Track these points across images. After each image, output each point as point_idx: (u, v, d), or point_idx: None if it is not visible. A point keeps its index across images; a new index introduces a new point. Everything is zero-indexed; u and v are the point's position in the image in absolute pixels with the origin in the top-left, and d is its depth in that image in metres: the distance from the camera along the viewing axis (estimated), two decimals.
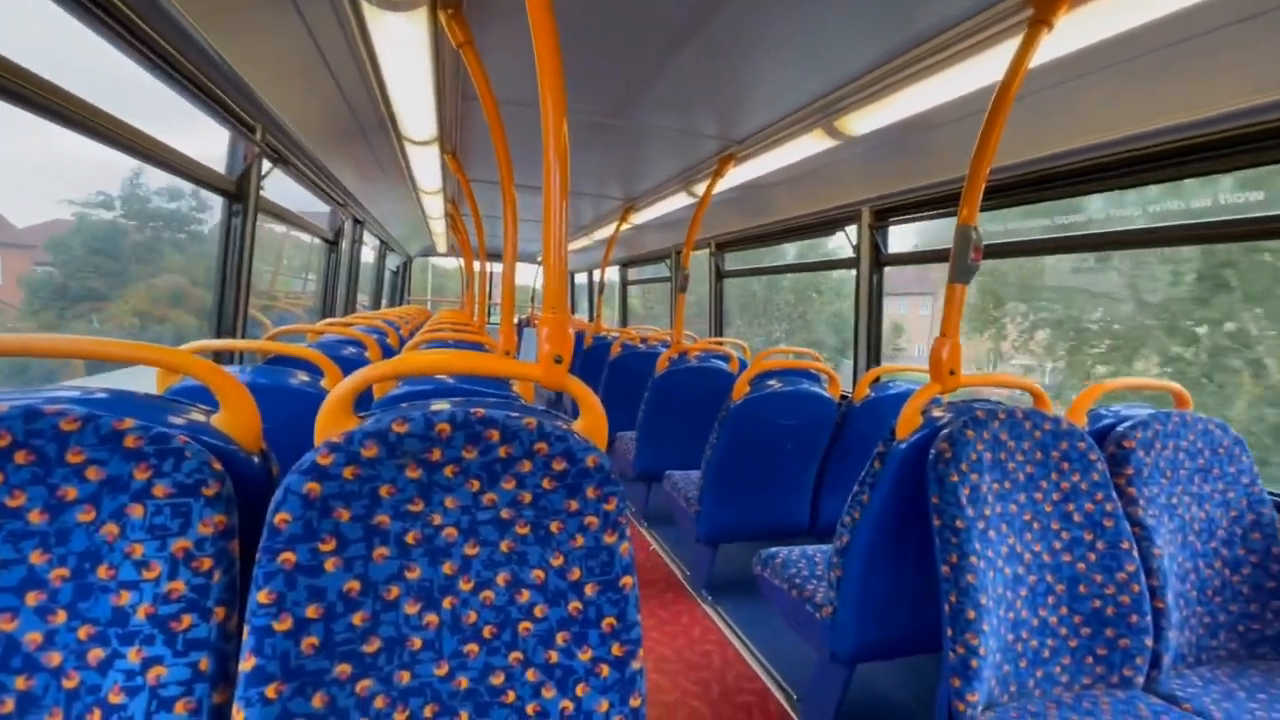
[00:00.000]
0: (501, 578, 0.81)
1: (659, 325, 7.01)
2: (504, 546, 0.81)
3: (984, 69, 1.59)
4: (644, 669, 0.85)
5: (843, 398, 2.58)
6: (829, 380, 2.54)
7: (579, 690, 0.81)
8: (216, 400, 0.82)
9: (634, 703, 0.83)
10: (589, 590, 0.83)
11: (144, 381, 1.17)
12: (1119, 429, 1.54)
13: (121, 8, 1.33)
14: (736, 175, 2.93)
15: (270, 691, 0.68)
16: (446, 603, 0.78)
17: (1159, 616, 1.40)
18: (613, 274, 7.89)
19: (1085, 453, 1.43)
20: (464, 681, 0.78)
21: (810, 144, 2.34)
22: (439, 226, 5.58)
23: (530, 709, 0.80)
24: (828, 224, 3.28)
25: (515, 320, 2.19)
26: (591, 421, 0.92)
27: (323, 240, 4.16)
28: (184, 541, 0.69)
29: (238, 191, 2.24)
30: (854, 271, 3.06)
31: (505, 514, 0.82)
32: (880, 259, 2.98)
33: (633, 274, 7.73)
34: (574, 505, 0.84)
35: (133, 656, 0.66)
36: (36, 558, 0.65)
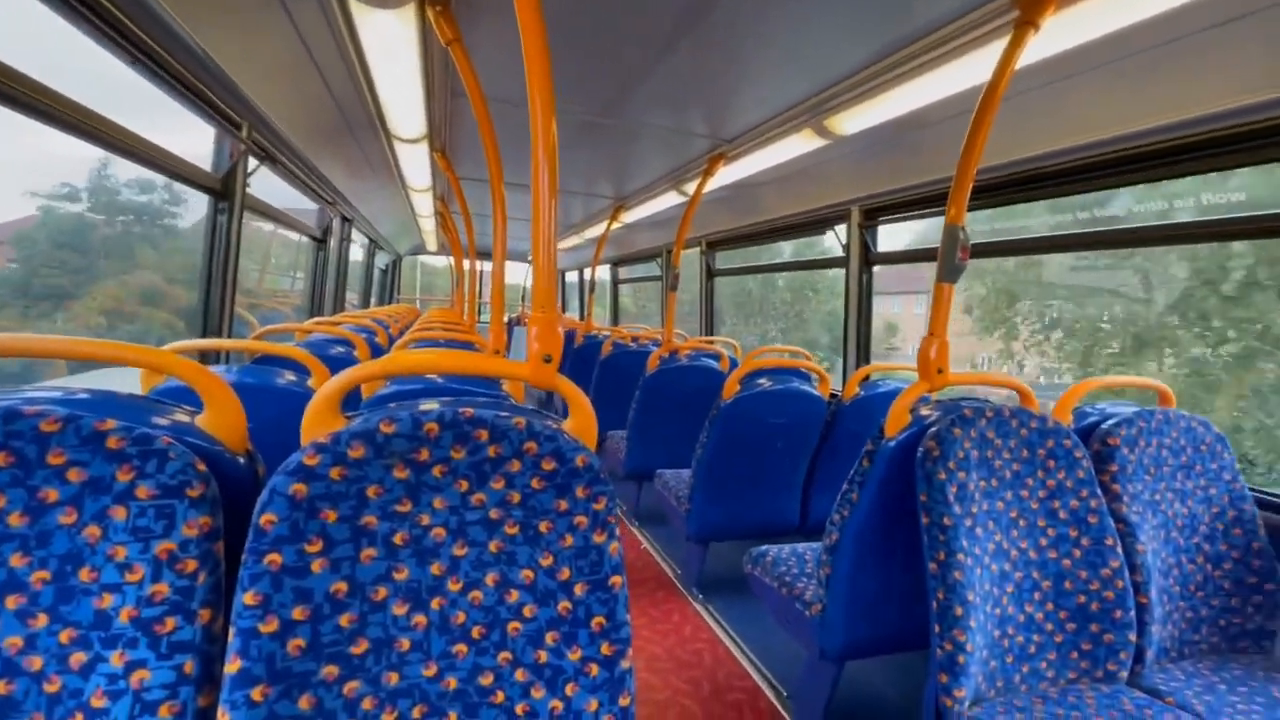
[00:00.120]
0: (490, 578, 0.81)
1: (652, 324, 7.00)
2: (493, 547, 0.81)
3: (972, 70, 1.60)
4: (633, 668, 0.85)
5: (832, 396, 2.59)
6: (819, 379, 2.55)
7: (568, 690, 0.81)
8: (201, 401, 0.81)
9: (623, 702, 0.83)
10: (578, 590, 0.83)
11: (131, 383, 1.16)
12: (1104, 426, 1.55)
13: (105, 4, 1.32)
14: (727, 174, 2.94)
15: (256, 694, 0.68)
16: (435, 603, 0.78)
17: (1142, 612, 1.42)
18: (604, 273, 7.88)
19: (1071, 450, 1.44)
20: (453, 682, 0.78)
21: (800, 143, 2.34)
22: (428, 225, 5.55)
23: (519, 709, 0.80)
24: (817, 223, 3.30)
25: (506, 319, 2.18)
26: (581, 421, 0.92)
27: (310, 238, 4.13)
28: (168, 543, 0.68)
29: (223, 189, 2.22)
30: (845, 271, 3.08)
31: (494, 514, 0.81)
32: (869, 258, 2.99)
33: (624, 273, 7.73)
34: (563, 505, 0.84)
35: (116, 660, 0.66)
36: (16, 560, 0.64)
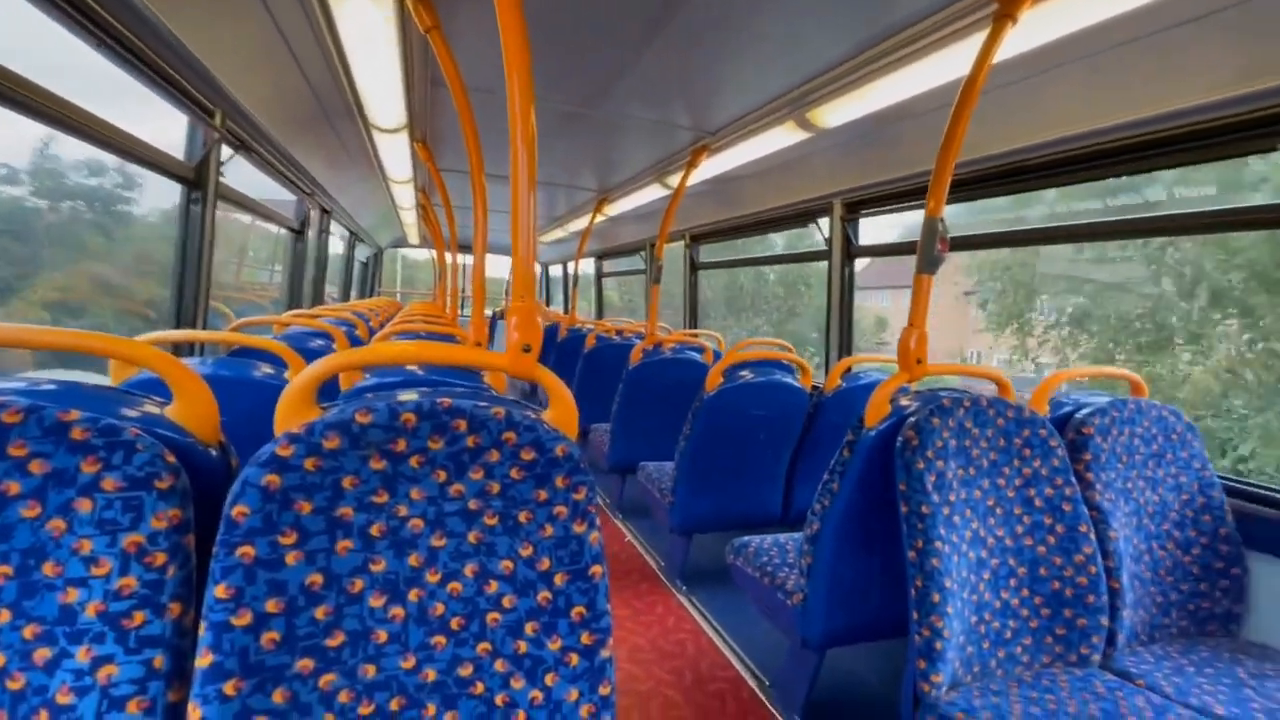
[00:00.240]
0: (469, 569, 0.80)
1: (639, 318, 7.01)
2: (472, 537, 0.81)
3: (952, 63, 1.61)
4: (613, 657, 0.85)
5: (815, 388, 2.61)
6: (801, 371, 2.56)
7: (548, 680, 0.81)
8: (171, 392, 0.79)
9: (603, 691, 0.83)
10: (558, 580, 0.83)
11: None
12: (1078, 416, 1.58)
13: None
14: (710, 167, 2.94)
15: (229, 688, 0.66)
16: (413, 595, 0.77)
17: (1114, 597, 1.45)
18: (590, 267, 7.85)
19: (1046, 439, 1.47)
20: (431, 674, 0.77)
21: (782, 136, 2.35)
22: (410, 217, 5.48)
23: (499, 700, 0.79)
24: (800, 216, 3.31)
25: (490, 313, 2.17)
26: (561, 411, 0.92)
27: (288, 230, 4.05)
28: (136, 536, 0.67)
29: (196, 178, 2.17)
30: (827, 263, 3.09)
31: (473, 504, 0.81)
32: (851, 251, 3.01)
33: (608, 266, 7.71)
34: (543, 495, 0.83)
35: (81, 656, 0.64)
36: None
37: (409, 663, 0.76)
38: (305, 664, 0.71)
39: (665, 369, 3.15)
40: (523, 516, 0.83)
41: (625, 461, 3.25)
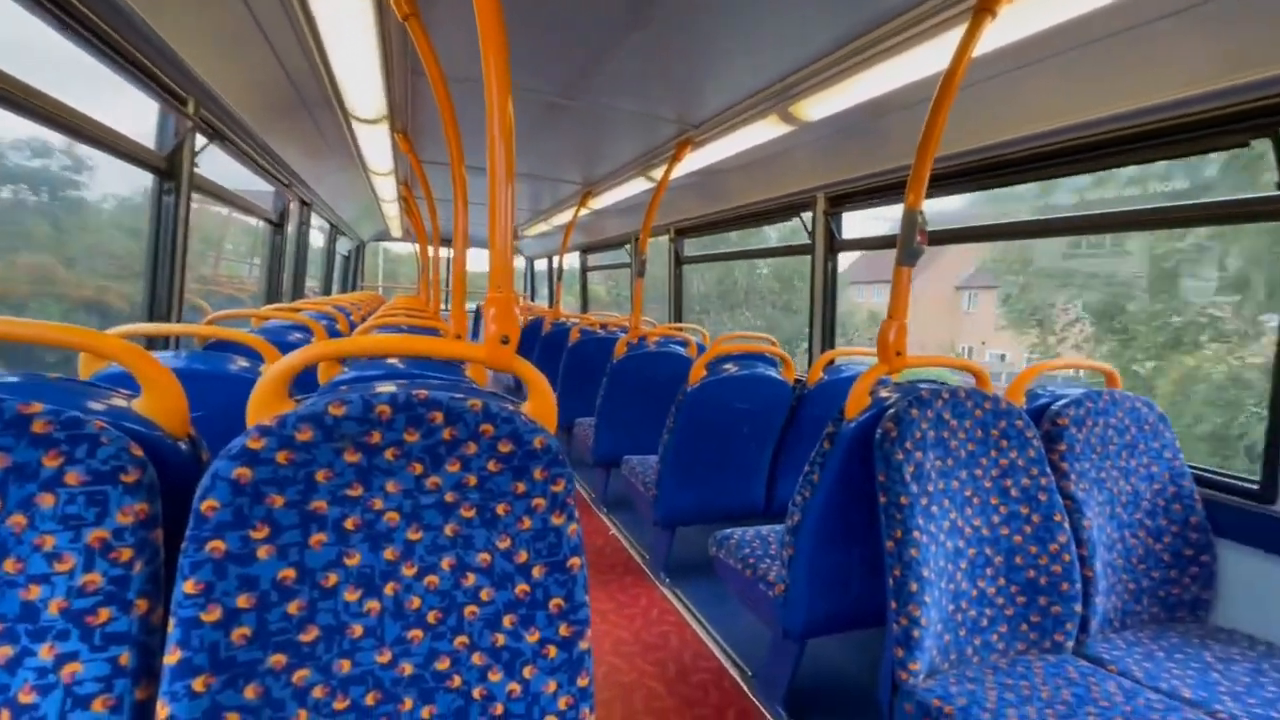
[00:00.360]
0: (446, 562, 0.79)
1: (625, 311, 6.99)
2: (448, 530, 0.80)
3: (933, 56, 1.62)
4: (591, 649, 0.85)
5: (797, 381, 2.62)
6: (784, 364, 2.57)
7: (526, 672, 0.81)
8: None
9: (582, 682, 0.83)
10: (536, 572, 0.83)
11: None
12: (1054, 407, 1.61)
13: None
14: (694, 160, 2.93)
15: (198, 684, 0.65)
16: (389, 589, 0.76)
17: (1088, 584, 1.48)
18: (575, 260, 7.81)
19: (1022, 430, 1.49)
20: (408, 668, 0.76)
21: (766, 129, 2.35)
22: (392, 210, 5.42)
23: (476, 693, 0.79)
24: (784, 210, 3.32)
25: (475, 306, 2.15)
26: (540, 403, 0.91)
27: (267, 222, 3.99)
28: (100, 531, 0.65)
29: (169, 168, 2.12)
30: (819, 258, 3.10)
31: (449, 497, 0.80)
32: (834, 245, 3.02)
33: (593, 260, 7.68)
34: (521, 487, 0.83)
35: (44, 653, 0.63)
36: None
37: (385, 657, 0.75)
38: (278, 659, 0.70)
39: (649, 363, 3.15)
40: (500, 509, 0.82)
41: (609, 455, 3.24)
